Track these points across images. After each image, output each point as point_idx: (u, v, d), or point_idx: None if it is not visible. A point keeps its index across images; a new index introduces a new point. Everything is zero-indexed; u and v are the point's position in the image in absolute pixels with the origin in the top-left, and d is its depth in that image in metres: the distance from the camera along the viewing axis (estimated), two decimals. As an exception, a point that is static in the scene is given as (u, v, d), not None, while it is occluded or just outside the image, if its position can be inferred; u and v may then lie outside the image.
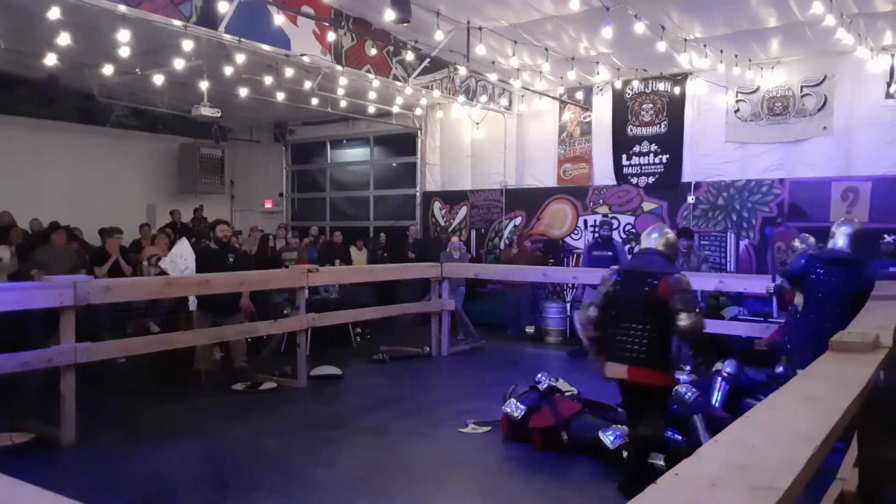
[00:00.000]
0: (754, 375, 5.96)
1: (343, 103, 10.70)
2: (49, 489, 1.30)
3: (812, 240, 6.26)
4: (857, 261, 5.00)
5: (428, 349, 8.86)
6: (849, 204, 8.52)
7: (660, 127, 9.95)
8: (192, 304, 7.47)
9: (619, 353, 4.29)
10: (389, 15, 6.72)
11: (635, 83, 9.98)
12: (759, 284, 6.68)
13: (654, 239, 4.47)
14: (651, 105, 10.00)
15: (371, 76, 8.60)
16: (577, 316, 4.94)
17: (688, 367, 6.76)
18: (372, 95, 9.93)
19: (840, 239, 5.08)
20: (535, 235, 11.07)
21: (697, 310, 4.13)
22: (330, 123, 13.24)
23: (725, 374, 5.64)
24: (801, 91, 8.87)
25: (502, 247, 11.28)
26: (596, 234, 9.76)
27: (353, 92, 10.10)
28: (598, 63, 9.10)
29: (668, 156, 9.87)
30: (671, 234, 4.54)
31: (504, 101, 10.97)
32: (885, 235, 7.68)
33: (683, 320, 4.01)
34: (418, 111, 11.91)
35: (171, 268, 7.57)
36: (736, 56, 8.68)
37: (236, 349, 7.55)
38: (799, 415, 1.73)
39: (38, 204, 10.11)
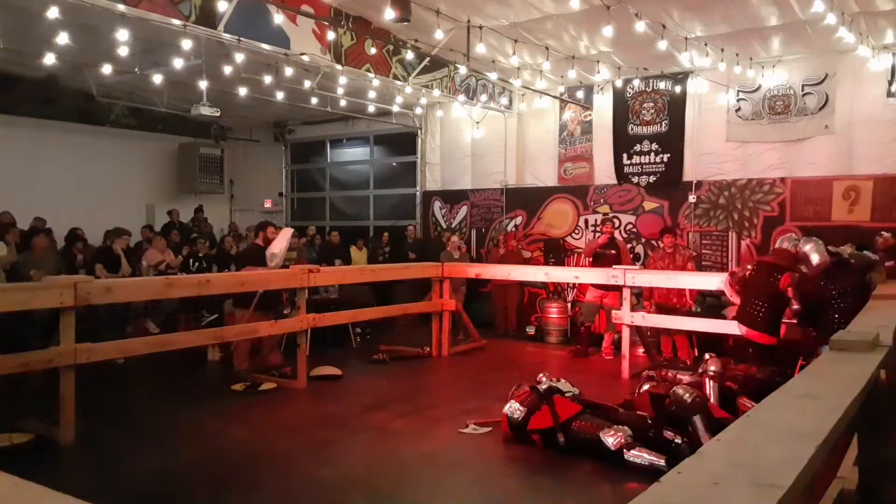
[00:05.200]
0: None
1: (343, 102, 10.68)
2: (48, 490, 1.29)
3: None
4: None
5: (428, 349, 8.84)
6: (850, 203, 8.51)
7: (661, 126, 9.93)
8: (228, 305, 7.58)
9: None
10: (389, 14, 6.70)
11: (636, 82, 9.95)
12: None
13: None
14: (652, 104, 9.98)
15: (371, 75, 8.58)
16: None
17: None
18: (372, 94, 9.92)
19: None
20: (534, 235, 11.05)
21: None
22: (329, 123, 13.23)
23: (711, 373, 5.66)
24: (803, 90, 8.85)
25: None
26: (600, 233, 9.73)
27: (352, 91, 10.09)
28: (598, 62, 9.08)
29: (668, 155, 9.85)
30: None
31: (504, 101, 10.95)
32: (883, 232, 7.71)
33: None
34: (418, 110, 11.90)
35: (280, 257, 7.73)
36: (737, 55, 8.66)
37: (242, 349, 7.56)
38: (800, 413, 1.73)
39: (36, 204, 10.09)
